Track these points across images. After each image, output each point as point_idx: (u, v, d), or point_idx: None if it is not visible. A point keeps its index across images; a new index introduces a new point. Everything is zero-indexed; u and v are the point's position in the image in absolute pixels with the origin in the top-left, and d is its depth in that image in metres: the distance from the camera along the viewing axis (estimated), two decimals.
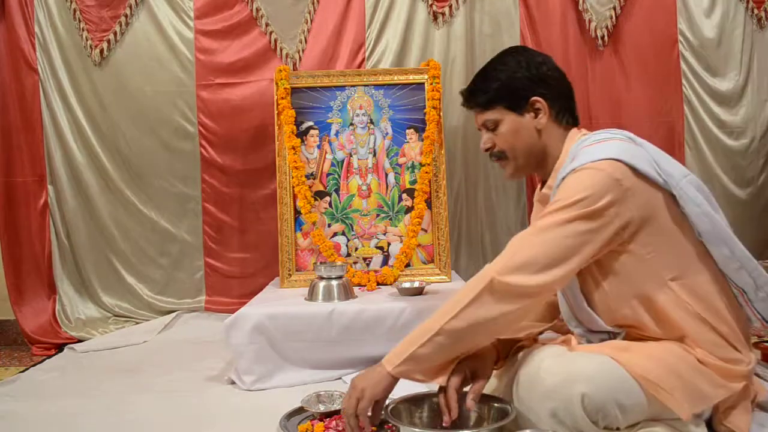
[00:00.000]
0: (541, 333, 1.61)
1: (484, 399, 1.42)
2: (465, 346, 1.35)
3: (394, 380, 1.34)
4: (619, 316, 1.41)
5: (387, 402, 1.46)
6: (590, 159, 1.35)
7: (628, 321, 1.41)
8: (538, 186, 1.62)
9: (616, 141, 1.40)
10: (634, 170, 1.34)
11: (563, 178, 1.38)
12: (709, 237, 1.36)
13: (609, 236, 1.33)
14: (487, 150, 1.54)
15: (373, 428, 1.52)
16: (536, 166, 1.53)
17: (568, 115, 1.52)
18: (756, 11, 3.04)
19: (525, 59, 1.52)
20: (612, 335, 1.45)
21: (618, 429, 1.27)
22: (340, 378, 2.12)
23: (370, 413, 1.34)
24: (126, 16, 3.00)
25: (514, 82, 1.49)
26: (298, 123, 2.66)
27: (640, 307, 1.38)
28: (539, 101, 1.48)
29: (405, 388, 1.59)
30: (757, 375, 1.65)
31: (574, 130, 1.52)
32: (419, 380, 1.36)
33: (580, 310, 1.47)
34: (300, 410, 1.67)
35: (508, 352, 1.52)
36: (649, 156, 1.38)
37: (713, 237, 1.35)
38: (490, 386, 1.49)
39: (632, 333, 1.42)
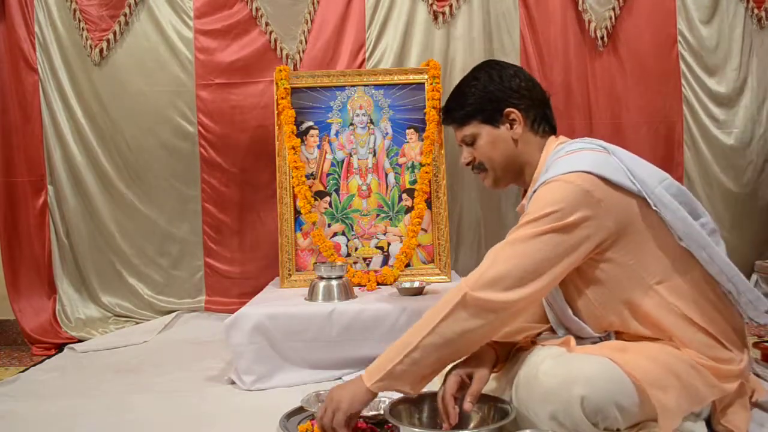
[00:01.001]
0: (539, 334, 1.61)
1: (484, 399, 1.42)
2: (443, 359, 1.35)
3: (373, 395, 1.35)
4: (605, 323, 1.42)
5: (387, 402, 1.46)
6: (560, 171, 1.36)
7: (615, 327, 1.42)
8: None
9: (587, 152, 1.41)
10: (606, 181, 1.35)
11: (535, 191, 1.41)
12: (687, 241, 1.36)
13: (587, 250, 1.34)
14: (468, 164, 1.59)
15: (374, 428, 1.53)
16: (515, 176, 1.57)
17: (544, 123, 1.55)
18: (756, 11, 3.04)
19: (497, 72, 1.55)
20: (602, 340, 1.45)
21: (618, 430, 1.27)
22: (340, 378, 2.12)
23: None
24: (125, 15, 3.00)
25: (487, 95, 1.53)
26: (298, 123, 2.66)
27: (625, 313, 1.38)
28: (513, 112, 1.52)
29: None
30: (757, 375, 1.65)
31: (551, 138, 1.55)
32: (402, 392, 1.36)
33: (566, 318, 1.48)
34: (300, 410, 1.67)
35: (508, 355, 1.52)
36: (620, 165, 1.38)
37: (691, 242, 1.36)
38: (490, 387, 1.50)
39: (620, 336, 1.42)
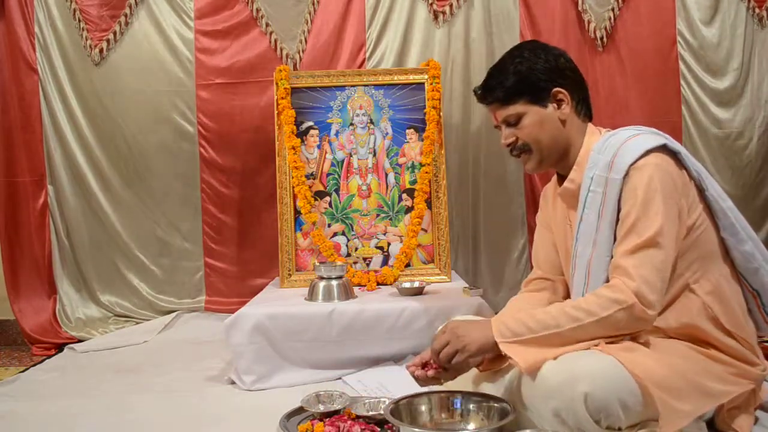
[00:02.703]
0: None
1: (484, 399, 1.43)
2: (567, 345, 1.33)
3: (498, 349, 1.33)
4: None
5: (387, 402, 1.46)
6: (638, 154, 1.35)
7: None
8: (554, 181, 1.61)
9: (651, 135, 1.41)
10: (677, 160, 1.37)
11: (624, 176, 1.36)
12: (734, 232, 1.36)
13: (684, 228, 1.35)
14: (509, 145, 1.53)
15: (374, 428, 1.53)
16: (558, 158, 1.53)
17: (585, 107, 1.54)
18: (757, 11, 3.04)
19: (543, 51, 1.52)
20: None
21: (620, 428, 1.27)
22: (340, 378, 2.12)
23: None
24: (126, 15, 3.00)
25: (534, 74, 1.48)
26: (298, 123, 2.66)
27: (663, 304, 1.37)
28: (561, 92, 1.49)
29: (405, 389, 1.60)
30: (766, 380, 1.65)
31: (591, 125, 1.54)
32: (514, 364, 1.34)
33: None
34: (300, 410, 1.67)
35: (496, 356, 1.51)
36: (681, 148, 1.40)
37: (735, 234, 1.37)
38: (492, 385, 1.50)
39: (644, 332, 1.41)
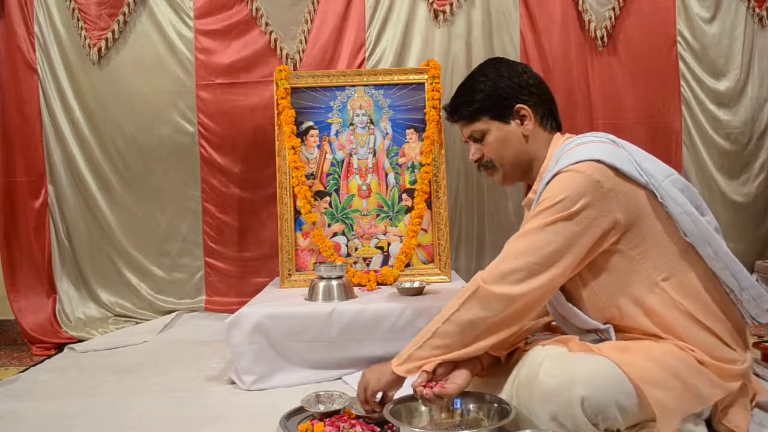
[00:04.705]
0: (533, 333, 1.61)
1: (484, 399, 1.43)
2: (458, 348, 1.39)
3: (399, 377, 1.44)
4: (607, 314, 1.43)
5: (387, 402, 1.46)
6: (571, 161, 1.38)
7: (616, 320, 1.42)
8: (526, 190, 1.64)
9: (596, 143, 1.42)
10: (616, 170, 1.36)
11: (547, 183, 1.41)
12: (693, 237, 1.37)
13: (594, 238, 1.35)
14: (476, 161, 1.58)
15: (374, 428, 1.53)
16: (523, 172, 1.57)
17: (551, 120, 1.57)
18: (757, 11, 3.04)
19: (506, 68, 1.56)
20: (597, 333, 1.45)
21: (618, 430, 1.27)
22: (340, 378, 2.12)
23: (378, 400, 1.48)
24: (124, 14, 3.00)
25: (497, 91, 1.53)
26: (298, 123, 2.66)
27: (630, 307, 1.39)
28: (524, 108, 1.52)
29: (405, 388, 1.59)
30: (757, 375, 1.65)
31: (557, 135, 1.56)
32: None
33: (560, 305, 1.49)
34: (300, 410, 1.67)
35: (494, 361, 1.52)
36: (629, 157, 1.40)
37: (696, 237, 1.37)
38: (492, 388, 1.50)
39: (624, 330, 1.42)
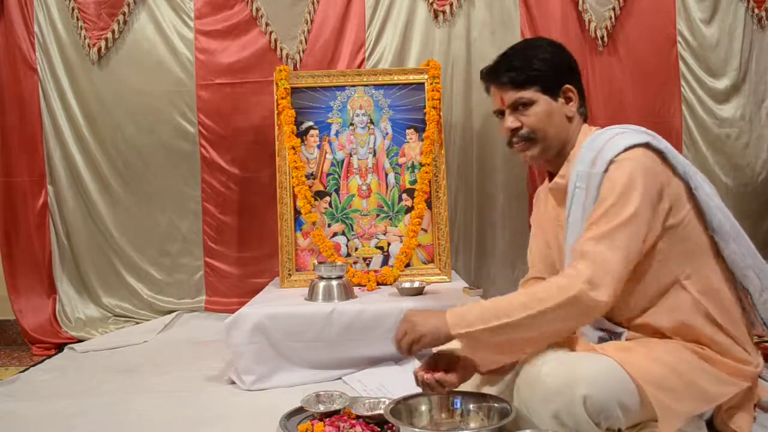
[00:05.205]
0: None
1: (484, 399, 1.43)
2: (523, 342, 1.33)
3: (451, 339, 1.33)
4: (627, 314, 1.41)
5: (387, 402, 1.46)
6: (620, 149, 1.36)
7: (636, 319, 1.41)
8: (546, 178, 1.62)
9: (638, 133, 1.42)
10: (662, 157, 1.37)
11: (604, 172, 1.36)
12: (722, 232, 1.37)
13: (657, 228, 1.34)
14: (512, 130, 1.50)
15: (374, 428, 1.53)
16: (556, 153, 1.52)
17: (584, 108, 1.55)
18: (757, 11, 3.04)
19: (560, 48, 1.54)
20: (612, 335, 1.45)
21: (619, 430, 1.27)
22: (340, 378, 2.12)
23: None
24: (124, 14, 3.00)
25: (554, 66, 1.50)
26: (298, 123, 2.66)
27: (653, 306, 1.37)
28: (572, 90, 1.51)
29: (405, 389, 1.59)
30: (760, 377, 1.65)
31: (585, 125, 1.55)
32: (467, 353, 1.36)
33: None
34: (300, 410, 1.67)
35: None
36: (668, 145, 1.41)
37: (725, 233, 1.37)
38: (489, 386, 1.49)
39: (638, 329, 1.41)
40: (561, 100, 1.50)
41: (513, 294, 1.36)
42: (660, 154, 1.37)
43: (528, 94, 1.48)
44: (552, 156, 1.53)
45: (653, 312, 1.38)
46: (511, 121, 1.50)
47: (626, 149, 1.36)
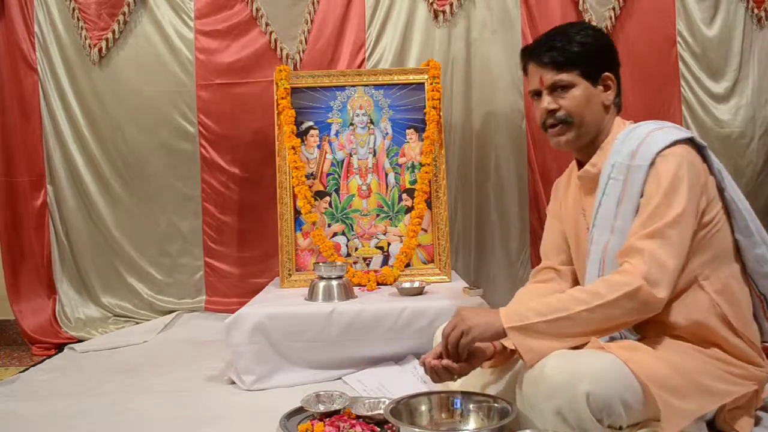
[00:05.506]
0: None
1: (484, 399, 1.43)
2: (577, 335, 1.32)
3: (504, 335, 1.32)
4: None
5: (387, 402, 1.46)
6: (664, 144, 1.36)
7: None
8: (568, 171, 1.63)
9: (679, 129, 1.42)
10: (701, 154, 1.38)
11: (650, 166, 1.36)
12: (745, 235, 1.37)
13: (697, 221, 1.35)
14: (550, 112, 1.48)
15: (374, 428, 1.53)
16: (590, 140, 1.51)
17: (620, 100, 1.54)
18: (756, 11, 3.04)
19: (604, 35, 1.52)
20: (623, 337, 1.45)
21: (621, 428, 1.27)
22: (340, 378, 2.12)
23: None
24: (124, 14, 3.00)
25: (598, 50, 1.49)
26: (298, 123, 2.66)
27: (672, 299, 1.36)
28: (611, 78, 1.50)
29: (405, 389, 1.60)
30: None
31: (618, 117, 1.54)
32: (520, 351, 1.32)
33: None
34: (300, 410, 1.67)
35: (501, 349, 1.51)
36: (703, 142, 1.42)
37: (750, 236, 1.37)
38: (493, 384, 1.49)
39: (652, 326, 1.40)
40: (600, 87, 1.49)
41: (565, 292, 1.37)
42: (701, 150, 1.38)
43: (568, 76, 1.47)
44: (585, 143, 1.51)
45: (669, 308, 1.37)
46: (548, 102, 1.48)
47: (672, 144, 1.36)
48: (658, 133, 1.39)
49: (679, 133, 1.39)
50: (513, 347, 1.33)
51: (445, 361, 1.35)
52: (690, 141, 1.38)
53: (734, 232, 1.40)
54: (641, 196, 1.37)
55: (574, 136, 1.49)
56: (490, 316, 1.34)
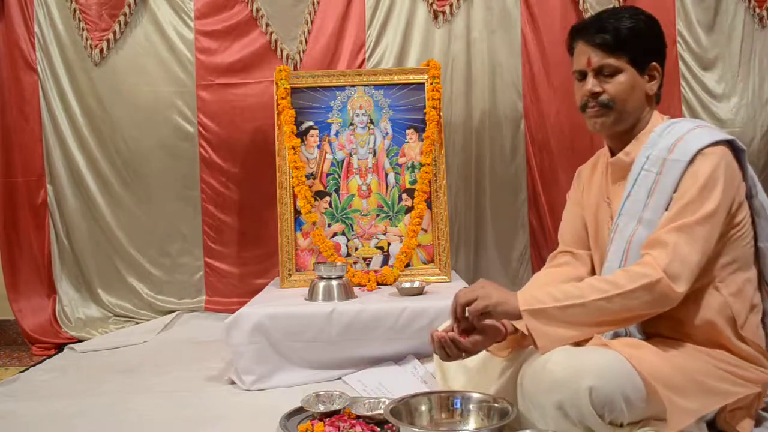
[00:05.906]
0: None
1: (484, 399, 1.43)
2: (590, 324, 1.32)
3: (518, 316, 1.31)
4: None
5: (387, 402, 1.46)
6: (705, 143, 1.36)
7: (664, 316, 1.39)
8: (594, 159, 1.64)
9: (717, 129, 1.43)
10: (737, 157, 1.39)
11: (689, 162, 1.36)
12: None
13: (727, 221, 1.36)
14: (593, 95, 1.46)
15: (374, 428, 1.53)
16: (629, 127, 1.50)
17: (661, 92, 1.53)
18: (757, 10, 3.04)
19: (657, 24, 1.50)
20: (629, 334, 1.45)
21: (622, 424, 1.27)
22: (340, 378, 2.12)
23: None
24: (125, 15, 3.00)
25: (649, 38, 1.47)
26: (298, 123, 2.66)
27: (687, 297, 1.35)
28: (657, 69, 1.49)
29: (405, 389, 1.60)
30: None
31: (656, 111, 1.53)
32: (532, 337, 1.32)
33: None
34: (300, 410, 1.67)
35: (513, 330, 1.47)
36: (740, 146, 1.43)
37: None
38: (494, 381, 1.49)
39: (664, 323, 1.40)
40: (646, 76, 1.48)
41: (584, 281, 1.37)
42: (738, 154, 1.39)
43: (617, 61, 1.45)
44: (621, 130, 1.50)
45: (683, 305, 1.36)
46: (593, 84, 1.47)
47: (714, 143, 1.36)
48: (700, 130, 1.40)
49: (721, 134, 1.39)
50: (526, 331, 1.32)
51: (452, 334, 1.34)
52: (730, 143, 1.39)
53: (758, 239, 1.40)
54: (674, 191, 1.37)
55: (612, 121, 1.47)
56: (508, 294, 1.34)
